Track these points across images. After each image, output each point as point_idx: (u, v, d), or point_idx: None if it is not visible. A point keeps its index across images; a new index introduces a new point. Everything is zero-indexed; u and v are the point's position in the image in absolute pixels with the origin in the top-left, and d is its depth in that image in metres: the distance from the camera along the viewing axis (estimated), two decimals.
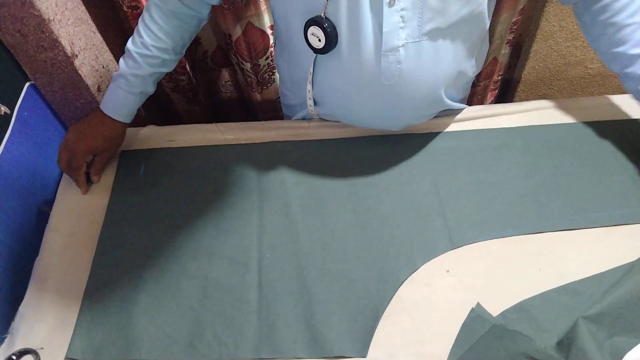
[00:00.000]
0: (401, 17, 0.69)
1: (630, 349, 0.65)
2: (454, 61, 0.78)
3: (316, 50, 0.75)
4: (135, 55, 0.85)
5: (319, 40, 0.73)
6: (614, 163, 0.87)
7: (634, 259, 0.75)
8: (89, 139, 0.88)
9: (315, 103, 0.90)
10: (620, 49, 0.81)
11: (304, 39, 0.75)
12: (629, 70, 0.81)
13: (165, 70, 0.91)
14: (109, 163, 0.94)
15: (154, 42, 0.85)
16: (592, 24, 0.82)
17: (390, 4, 0.67)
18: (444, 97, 0.83)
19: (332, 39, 0.72)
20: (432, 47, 0.73)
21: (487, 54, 1.25)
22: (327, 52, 0.74)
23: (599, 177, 0.85)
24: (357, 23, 0.70)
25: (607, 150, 0.89)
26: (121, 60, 0.88)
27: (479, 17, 0.76)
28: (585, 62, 1.29)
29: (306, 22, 0.73)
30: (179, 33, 0.86)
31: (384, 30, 0.69)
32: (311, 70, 0.81)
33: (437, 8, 0.69)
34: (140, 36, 0.85)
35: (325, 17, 0.71)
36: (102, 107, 0.89)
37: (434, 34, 0.71)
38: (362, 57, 0.73)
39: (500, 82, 1.43)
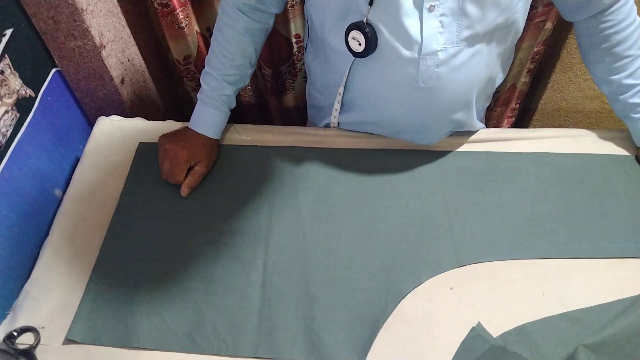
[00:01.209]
0: (440, 22, 0.71)
1: None
2: (487, 67, 0.80)
3: (355, 54, 0.77)
4: (217, 76, 0.89)
5: (359, 44, 0.75)
6: (624, 196, 0.87)
7: (638, 292, 0.75)
8: (189, 147, 0.88)
9: (342, 108, 0.92)
10: (614, 77, 0.86)
11: (344, 43, 0.77)
12: (621, 97, 0.88)
13: (245, 83, 0.94)
14: (127, 155, 0.95)
15: (232, 61, 0.88)
16: (591, 49, 0.87)
17: (430, 10, 0.70)
18: (474, 102, 0.85)
19: (372, 43, 0.74)
20: (469, 53, 0.75)
21: (506, 80, 1.27)
22: (367, 56, 0.76)
23: (608, 208, 0.85)
24: (398, 28, 0.72)
25: (618, 183, 0.89)
26: (202, 80, 0.91)
27: (513, 25, 0.78)
28: (603, 97, 1.30)
29: (348, 27, 0.75)
30: (252, 47, 0.89)
31: (424, 34, 0.72)
32: (347, 72, 0.83)
33: (474, 15, 0.71)
34: (217, 57, 0.88)
35: (367, 22, 0.73)
36: (193, 126, 0.91)
37: (471, 40, 0.74)
38: (400, 61, 0.75)
39: (518, 110, 1.44)
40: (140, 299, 0.76)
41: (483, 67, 0.79)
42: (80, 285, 0.78)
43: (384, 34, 0.73)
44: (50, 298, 0.77)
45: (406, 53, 0.74)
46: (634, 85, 0.86)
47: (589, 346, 0.67)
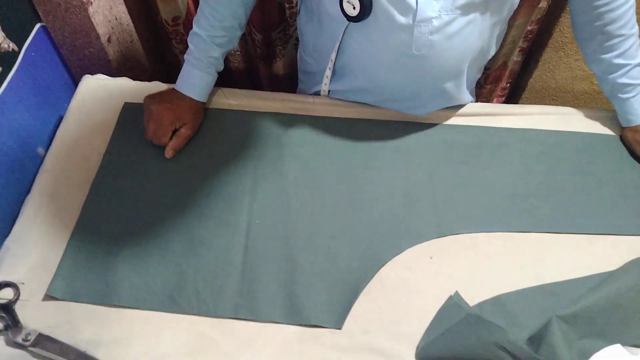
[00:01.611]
0: None
1: (597, 351, 0.66)
2: (480, 36, 0.80)
3: (350, 18, 0.76)
4: (205, 37, 0.87)
5: (354, 8, 0.74)
6: (607, 175, 0.88)
7: (614, 268, 0.77)
8: (175, 109, 0.87)
9: (334, 75, 0.91)
10: (605, 56, 0.87)
11: (339, 6, 0.76)
12: (610, 76, 0.88)
13: (234, 46, 0.93)
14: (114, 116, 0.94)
15: (222, 22, 0.86)
16: (584, 27, 0.87)
17: None
18: (466, 73, 0.85)
19: (367, 7, 0.73)
20: (464, 21, 0.75)
21: (498, 57, 1.26)
22: (361, 21, 0.75)
23: (590, 186, 0.87)
24: None
25: (601, 161, 0.90)
26: (190, 41, 0.89)
27: None
28: (592, 78, 1.30)
29: None
30: (242, 9, 0.87)
31: (419, 1, 0.71)
32: (340, 37, 0.82)
33: None
34: (206, 18, 0.86)
35: None
36: (179, 88, 0.90)
37: (466, 8, 0.73)
38: (394, 27, 0.75)
39: (508, 90, 1.44)
40: (122, 258, 0.76)
41: (476, 36, 0.79)
42: (62, 243, 0.77)
43: None
44: (31, 254, 0.76)
45: (400, 19, 0.73)
46: (624, 65, 0.86)
47: (562, 317, 0.68)
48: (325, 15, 0.83)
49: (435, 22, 0.73)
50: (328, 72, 0.90)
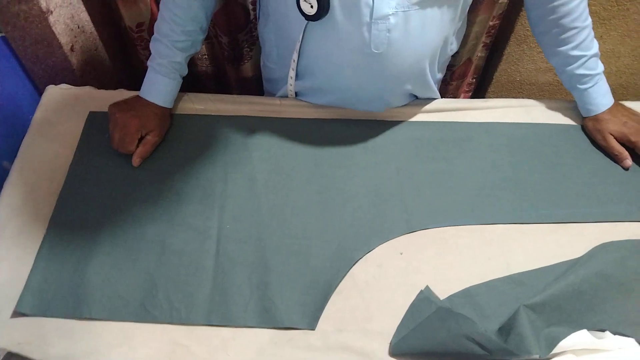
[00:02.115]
0: None
1: (564, 337, 0.68)
2: (439, 32, 0.80)
3: (307, 17, 0.76)
4: (167, 43, 0.86)
5: (311, 6, 0.74)
6: (570, 165, 0.90)
7: (579, 256, 0.79)
8: (140, 116, 0.86)
9: (297, 76, 0.91)
10: (562, 49, 0.89)
11: (296, 6, 0.76)
12: (567, 68, 0.91)
13: (197, 50, 0.92)
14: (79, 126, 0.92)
15: (183, 26, 0.85)
16: (540, 21, 0.89)
17: None
18: (427, 71, 0.86)
19: (324, 5, 0.73)
20: (421, 17, 0.75)
21: (462, 54, 1.28)
22: (319, 19, 0.76)
23: (553, 176, 0.89)
24: None
25: (565, 152, 0.92)
26: (152, 47, 0.88)
27: None
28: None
29: None
30: (203, 12, 0.87)
31: None
32: (300, 38, 0.82)
33: None
34: (167, 23, 0.85)
35: None
36: (144, 95, 0.89)
37: (423, 4, 0.74)
38: (352, 25, 0.75)
39: (475, 84, 1.46)
40: (92, 270, 0.75)
41: (435, 32, 0.79)
42: (30, 257, 0.76)
43: None
44: None
45: (358, 17, 0.74)
46: (580, 57, 0.88)
47: (530, 306, 0.70)
48: (282, 17, 0.84)
49: (392, 20, 0.73)
50: (292, 73, 0.90)
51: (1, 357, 0.64)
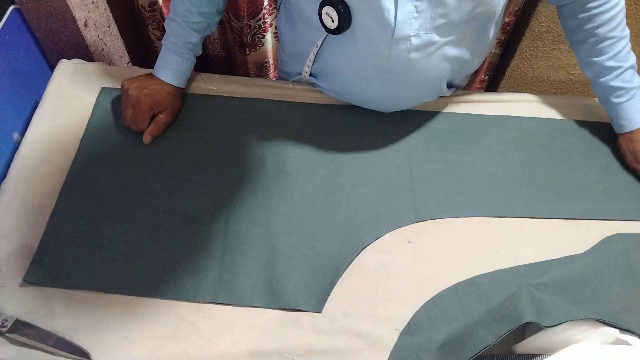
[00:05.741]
0: (415, 7, 0.69)
1: (572, 317, 0.65)
2: (460, 56, 0.79)
3: (328, 30, 0.75)
4: (182, 23, 0.85)
5: (332, 21, 0.73)
6: (581, 161, 0.90)
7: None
8: (153, 95, 0.86)
9: (312, 75, 0.91)
10: (597, 59, 0.86)
11: (318, 17, 0.75)
12: (602, 79, 0.87)
13: (212, 30, 0.91)
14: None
15: (199, 7, 0.85)
16: (576, 30, 0.86)
17: None
18: (445, 87, 0.85)
19: (345, 21, 0.72)
20: (442, 41, 0.74)
21: None
22: (340, 34, 0.75)
23: (564, 172, 0.88)
24: (372, 9, 0.70)
25: (576, 148, 0.92)
26: (167, 26, 0.88)
27: (492, 17, 0.77)
28: (568, 67, 1.32)
29: (321, 2, 0.73)
30: None
31: (398, 18, 0.70)
32: (318, 44, 0.82)
33: (450, 4, 0.69)
34: (183, 3, 0.84)
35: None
36: (158, 73, 0.88)
37: (445, 28, 0.72)
38: (372, 43, 0.74)
39: (487, 81, 1.45)
40: (100, 243, 0.75)
41: (455, 55, 0.78)
42: (39, 228, 0.76)
43: (358, 13, 0.72)
44: (7, 240, 0.75)
45: (378, 35, 0.73)
46: (616, 68, 0.85)
47: (532, 285, 0.70)
48: (304, 22, 0.83)
49: (414, 41, 0.72)
50: (307, 69, 0.90)
51: (10, 324, 0.65)
